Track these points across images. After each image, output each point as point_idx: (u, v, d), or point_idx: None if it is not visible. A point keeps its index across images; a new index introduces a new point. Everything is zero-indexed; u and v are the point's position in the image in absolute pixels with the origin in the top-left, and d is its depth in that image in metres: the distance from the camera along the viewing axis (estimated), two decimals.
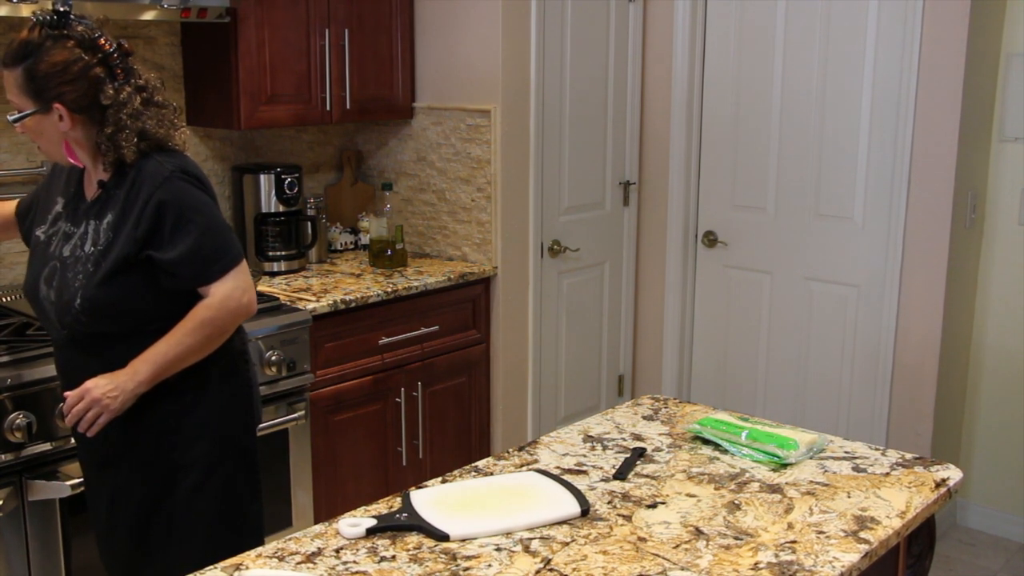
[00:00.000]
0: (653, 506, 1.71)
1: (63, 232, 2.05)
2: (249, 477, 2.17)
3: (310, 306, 2.99)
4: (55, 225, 2.08)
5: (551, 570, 1.49)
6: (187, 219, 1.96)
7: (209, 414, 2.08)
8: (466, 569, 1.49)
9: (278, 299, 2.99)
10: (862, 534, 1.61)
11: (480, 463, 1.91)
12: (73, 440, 2.23)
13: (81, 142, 2.00)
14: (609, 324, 4.09)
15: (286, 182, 3.39)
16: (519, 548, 1.56)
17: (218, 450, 2.09)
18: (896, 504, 1.72)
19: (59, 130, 1.97)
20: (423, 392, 3.39)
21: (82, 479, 2.25)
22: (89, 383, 1.96)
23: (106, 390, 1.94)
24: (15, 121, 1.98)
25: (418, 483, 1.81)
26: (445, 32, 3.57)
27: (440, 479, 1.82)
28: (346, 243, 3.79)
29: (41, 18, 1.95)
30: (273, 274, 3.39)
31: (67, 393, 1.98)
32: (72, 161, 2.02)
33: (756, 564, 1.51)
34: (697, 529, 1.62)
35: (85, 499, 2.24)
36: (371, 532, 1.60)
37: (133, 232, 1.95)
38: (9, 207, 2.27)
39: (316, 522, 2.91)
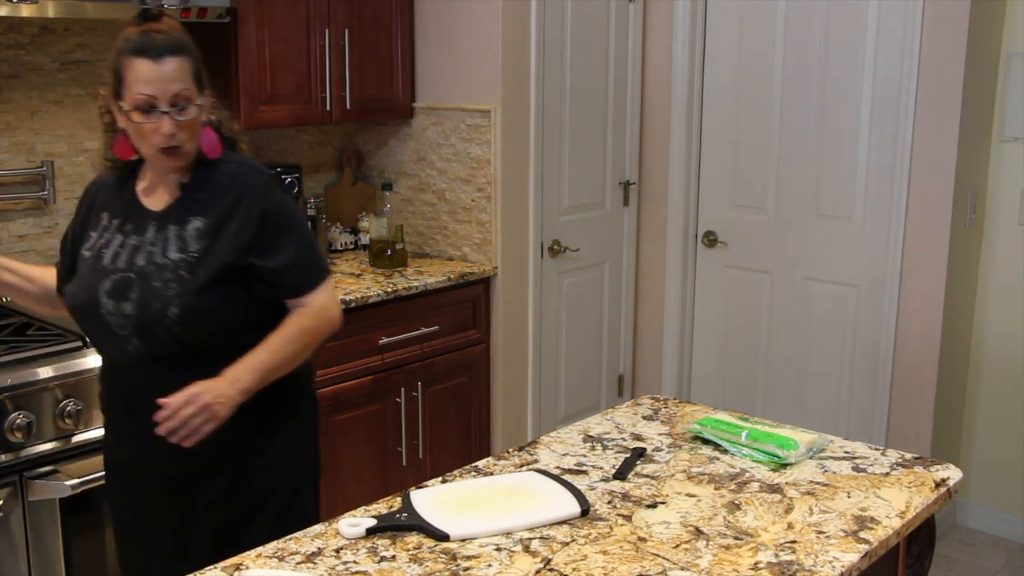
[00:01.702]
0: (653, 506, 1.71)
1: (121, 243, 1.92)
2: (317, 500, 2.11)
3: None
4: (104, 237, 1.94)
5: (551, 570, 1.49)
6: (288, 228, 1.94)
7: (293, 436, 2.02)
8: (466, 569, 1.49)
9: None
10: (862, 534, 1.61)
11: (480, 463, 1.91)
12: (124, 459, 2.01)
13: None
14: (609, 324, 4.09)
15: (286, 182, 3.39)
16: (519, 548, 1.56)
17: (300, 473, 2.04)
18: (896, 504, 1.72)
19: (201, 121, 1.90)
20: (423, 392, 3.39)
21: (121, 503, 2.04)
22: (196, 387, 1.81)
23: (215, 395, 1.81)
24: (197, 113, 1.87)
25: (418, 483, 1.81)
26: (445, 32, 3.57)
27: (440, 479, 1.82)
28: (346, 243, 3.79)
29: (159, 10, 1.90)
30: None
31: (168, 400, 1.80)
32: (177, 163, 1.89)
33: (756, 564, 1.51)
34: (697, 529, 1.62)
35: (123, 526, 2.06)
36: (371, 532, 1.59)
37: (236, 239, 1.88)
38: (47, 277, 2.09)
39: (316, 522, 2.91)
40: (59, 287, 2.06)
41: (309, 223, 2.05)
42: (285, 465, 2.01)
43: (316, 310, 1.96)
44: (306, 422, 2.08)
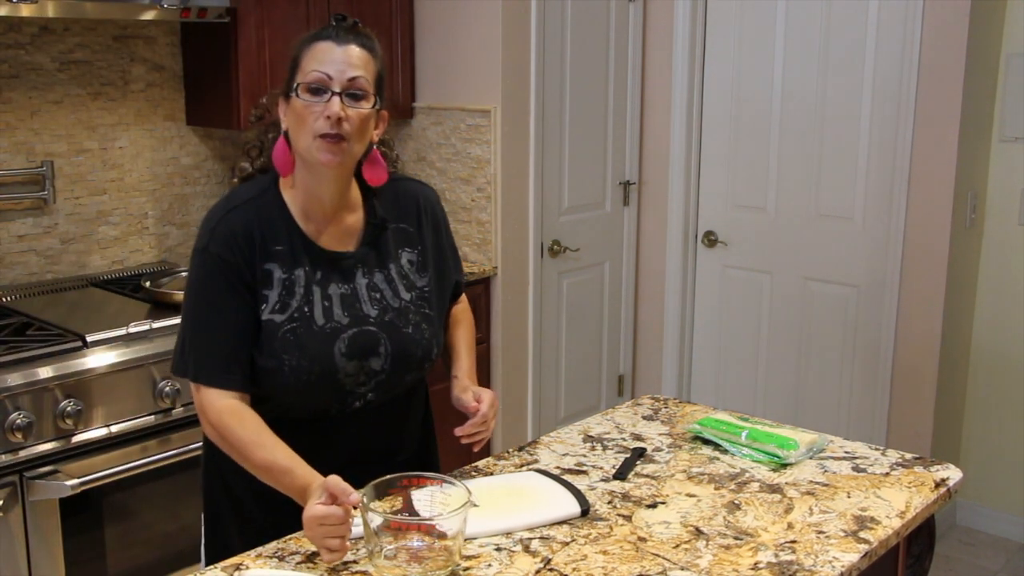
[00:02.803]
0: (653, 506, 1.71)
1: (324, 295, 1.69)
2: None
3: None
4: (296, 293, 1.67)
5: (551, 570, 1.49)
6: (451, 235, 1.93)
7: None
8: (466, 569, 1.49)
9: None
10: (862, 534, 1.61)
11: (480, 463, 1.92)
12: None
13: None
14: (609, 324, 4.09)
15: None
16: (519, 548, 1.56)
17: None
18: (896, 504, 1.72)
19: (372, 128, 1.69)
20: None
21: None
22: (486, 392, 1.81)
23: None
24: (370, 111, 1.65)
25: None
26: (445, 32, 3.57)
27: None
28: None
29: (355, 20, 1.72)
30: None
31: (480, 410, 1.78)
32: (336, 159, 1.63)
33: (756, 564, 1.51)
34: (697, 529, 1.62)
35: None
36: None
37: (446, 260, 1.86)
38: (278, 448, 1.61)
39: None
40: (236, 383, 1.65)
41: None
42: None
43: (467, 303, 2.01)
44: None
